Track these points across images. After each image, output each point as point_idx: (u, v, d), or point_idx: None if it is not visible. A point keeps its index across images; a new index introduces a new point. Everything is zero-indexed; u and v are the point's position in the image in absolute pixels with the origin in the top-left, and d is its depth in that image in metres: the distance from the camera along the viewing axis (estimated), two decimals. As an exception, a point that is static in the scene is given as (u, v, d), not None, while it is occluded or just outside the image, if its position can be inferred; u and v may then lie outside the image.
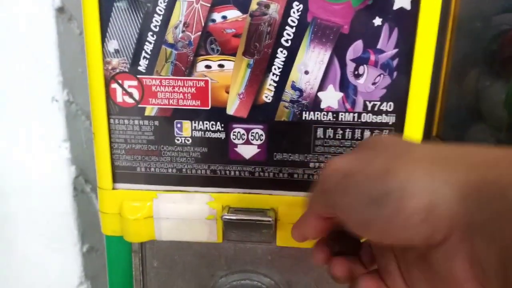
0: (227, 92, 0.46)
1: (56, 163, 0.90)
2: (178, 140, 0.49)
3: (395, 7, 0.42)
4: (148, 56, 0.46)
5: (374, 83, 0.44)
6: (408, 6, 0.41)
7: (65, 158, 0.90)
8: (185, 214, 0.50)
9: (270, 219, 0.48)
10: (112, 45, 0.46)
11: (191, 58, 0.45)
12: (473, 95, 0.64)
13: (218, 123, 0.47)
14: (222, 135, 0.48)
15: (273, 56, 0.44)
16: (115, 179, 0.51)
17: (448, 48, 0.67)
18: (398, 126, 0.46)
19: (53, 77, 0.85)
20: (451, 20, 0.66)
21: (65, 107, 0.88)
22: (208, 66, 0.46)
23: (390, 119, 0.46)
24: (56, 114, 0.88)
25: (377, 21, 0.42)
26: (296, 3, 0.43)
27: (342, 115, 0.46)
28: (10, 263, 0.96)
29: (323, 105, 0.46)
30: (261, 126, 0.47)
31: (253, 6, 0.43)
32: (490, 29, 0.59)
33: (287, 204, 0.49)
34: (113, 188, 0.51)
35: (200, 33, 0.45)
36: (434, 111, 0.73)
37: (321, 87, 0.45)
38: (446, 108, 0.70)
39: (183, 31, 0.45)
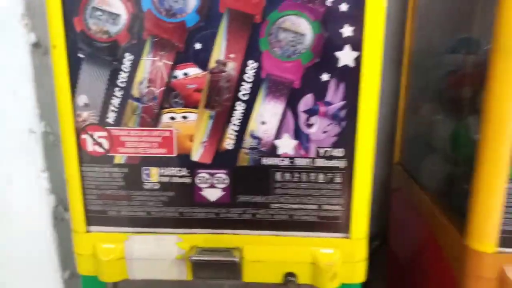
0: (191, 141, 0.50)
1: (35, 193, 0.92)
2: (146, 185, 0.52)
3: (340, 64, 0.46)
4: (116, 109, 0.49)
5: (325, 132, 0.48)
6: (351, 64, 0.45)
7: (44, 188, 0.92)
8: (156, 254, 0.53)
9: (236, 258, 0.51)
10: (82, 99, 0.49)
11: (156, 110, 0.49)
12: (426, 127, 0.68)
13: (184, 168, 0.51)
14: (188, 180, 0.51)
15: (232, 108, 0.48)
16: (89, 222, 0.53)
17: (405, 82, 0.72)
18: (349, 170, 0.49)
19: (30, 109, 0.87)
20: (406, 56, 0.70)
21: (42, 138, 0.90)
22: (172, 118, 0.49)
23: (341, 164, 0.49)
24: (34, 145, 0.90)
25: (325, 76, 0.46)
26: (251, 61, 0.46)
27: (297, 160, 0.50)
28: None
29: (279, 152, 0.49)
30: (224, 171, 0.51)
31: (212, 64, 0.47)
32: (441, 67, 0.64)
33: (252, 242, 0.52)
34: (87, 231, 0.53)
35: (164, 88, 0.48)
36: (394, 140, 0.78)
37: (277, 136, 0.49)
38: (405, 138, 0.74)
39: (148, 87, 0.48)
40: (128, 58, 0.47)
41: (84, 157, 0.51)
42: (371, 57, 0.45)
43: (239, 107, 0.48)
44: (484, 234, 0.48)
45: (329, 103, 0.47)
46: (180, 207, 0.52)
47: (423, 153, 0.70)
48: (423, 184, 0.67)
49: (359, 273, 0.53)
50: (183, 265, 0.53)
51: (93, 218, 0.53)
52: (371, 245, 0.88)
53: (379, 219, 0.96)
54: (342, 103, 0.47)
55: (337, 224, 0.52)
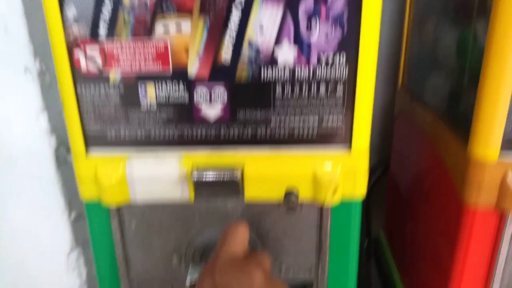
0: (187, 53, 0.48)
1: (35, 134, 0.91)
2: (143, 104, 0.50)
3: (342, -37, 0.43)
4: (107, 20, 0.47)
5: (326, 36, 0.46)
6: (354, -38, 0.43)
7: (44, 129, 0.91)
8: (157, 175, 0.53)
9: (237, 176, 0.51)
10: (71, 11, 0.47)
11: (149, 19, 0.47)
12: (432, 43, 0.66)
13: (181, 85, 0.49)
14: (186, 97, 0.50)
15: (228, 13, 0.46)
16: (88, 144, 0.53)
17: (409, -1, 0.68)
18: (351, 78, 0.48)
19: (23, 46, 0.85)
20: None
21: (38, 77, 0.88)
22: (166, 28, 0.47)
23: (343, 72, 0.48)
24: (30, 85, 0.88)
25: (326, -23, 0.43)
26: (246, -38, 0.44)
27: (298, 72, 0.48)
28: (0, 235, 0.99)
29: (279, 62, 0.48)
30: (222, 87, 0.49)
31: (205, -33, 0.44)
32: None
33: (253, 159, 0.52)
34: (87, 153, 0.53)
35: (155, -6, 0.46)
36: (399, 61, 0.76)
37: (277, 43, 0.47)
38: (410, 60, 0.72)
39: (139, -5, 0.45)
40: (116, -35, 0.44)
41: (78, 76, 0.50)
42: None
43: (235, 12, 0.45)
44: (488, 141, 0.47)
45: (331, 5, 0.45)
46: (180, 126, 0.51)
47: (427, 73, 0.68)
48: (427, 103, 0.66)
49: (361, 186, 0.52)
50: (185, 186, 0.53)
51: (92, 140, 0.53)
52: (373, 175, 0.89)
53: (381, 149, 0.95)
54: (344, 4, 0.45)
55: (338, 137, 0.51)
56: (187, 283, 0.50)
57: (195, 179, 0.51)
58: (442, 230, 0.59)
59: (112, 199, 0.53)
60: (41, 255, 1.02)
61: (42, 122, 0.91)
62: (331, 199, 0.51)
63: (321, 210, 0.53)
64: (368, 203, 0.88)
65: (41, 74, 0.88)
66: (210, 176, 0.51)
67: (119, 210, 0.54)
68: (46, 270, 1.03)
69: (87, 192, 0.54)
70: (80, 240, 1.02)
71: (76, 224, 1.01)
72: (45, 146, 0.92)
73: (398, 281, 0.78)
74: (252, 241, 0.56)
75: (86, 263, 1.05)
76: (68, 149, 0.96)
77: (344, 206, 0.52)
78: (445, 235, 0.57)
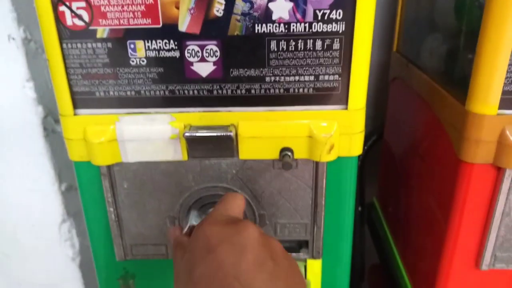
0: (177, 8, 0.46)
1: (22, 104, 0.89)
2: (133, 61, 0.49)
3: None
4: (92, -26, 0.45)
5: (322, -10, 0.44)
6: None
7: (31, 98, 0.89)
8: (149, 135, 0.51)
9: (231, 133, 0.50)
10: (54, -37, 0.44)
11: (137, -28, 0.44)
12: (428, 6, 0.64)
13: (171, 41, 0.47)
14: (177, 54, 0.48)
15: (221, -34, 0.44)
16: (76, 104, 0.51)
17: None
18: (348, 34, 0.46)
19: (6, 13, 0.82)
20: None
21: (23, 45, 0.85)
22: (155, -19, 0.45)
23: (340, 27, 0.46)
24: (15, 53, 0.85)
25: None
26: None
27: (293, 26, 0.46)
28: (-11, 206, 0.98)
29: (274, 17, 0.46)
30: (215, 42, 0.47)
31: None
32: None
33: (247, 119, 0.51)
34: (75, 114, 0.51)
35: None
36: (394, 27, 0.74)
37: (271, -3, 0.45)
38: (405, 24, 0.70)
39: None
40: None
41: (63, 33, 0.48)
42: None
43: (228, -36, 0.43)
44: (486, 96, 0.46)
45: (326, -45, 0.43)
46: (171, 84, 0.50)
47: (423, 36, 0.67)
48: (423, 67, 0.65)
49: (357, 146, 0.52)
50: (177, 145, 0.52)
51: (80, 100, 0.51)
52: (366, 143, 0.89)
53: (375, 118, 0.95)
54: (340, -46, 0.43)
55: (335, 95, 0.50)
56: (185, 230, 0.49)
57: (187, 136, 0.49)
58: (438, 190, 0.58)
59: (102, 158, 0.51)
60: (33, 226, 1.02)
61: (28, 91, 0.88)
62: (327, 157, 0.50)
63: (316, 167, 0.52)
64: (361, 170, 0.88)
65: (26, 42, 0.85)
66: (203, 133, 0.49)
67: (110, 170, 0.53)
68: (38, 241, 1.03)
69: (76, 152, 0.52)
70: (71, 211, 1.02)
71: (67, 195, 1.00)
72: (32, 116, 0.90)
73: (392, 245, 0.79)
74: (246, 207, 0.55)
75: (79, 234, 1.04)
76: (56, 120, 0.94)
77: (340, 162, 0.52)
78: (441, 194, 0.57)
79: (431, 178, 0.61)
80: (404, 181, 0.75)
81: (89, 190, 0.56)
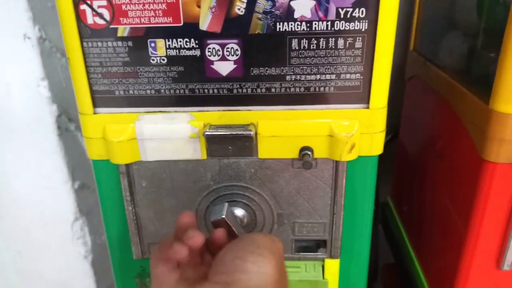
0: (199, 7, 0.46)
1: (37, 102, 0.89)
2: (153, 60, 0.48)
3: None
4: (114, -28, 0.44)
5: (345, -12, 0.44)
6: None
7: (45, 97, 0.89)
8: (168, 134, 0.51)
9: (250, 132, 0.49)
10: (75, -38, 0.44)
11: (159, -29, 0.44)
12: (448, 4, 0.63)
13: (192, 39, 0.47)
14: (197, 52, 0.48)
15: (243, -36, 0.43)
16: (95, 103, 0.51)
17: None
18: (371, 33, 0.46)
19: (22, 12, 0.82)
20: None
21: (38, 44, 0.86)
22: (177, -20, 0.44)
23: (363, 26, 0.46)
24: (30, 52, 0.85)
25: None
26: None
27: (315, 24, 0.46)
28: (4, 203, 0.99)
29: (296, 15, 0.46)
30: (235, 41, 0.47)
31: None
32: None
33: (266, 118, 0.50)
34: (94, 113, 0.51)
35: None
36: (411, 25, 0.73)
37: (293, -5, 0.45)
38: (423, 22, 0.70)
39: None
40: None
41: (84, 31, 0.47)
42: None
43: (251, -38, 0.43)
44: (511, 95, 0.46)
45: (350, -48, 0.42)
46: (191, 83, 0.50)
47: (442, 34, 0.66)
48: (441, 65, 0.64)
49: (378, 145, 0.51)
50: (197, 144, 0.52)
51: (100, 99, 0.51)
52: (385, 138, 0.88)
53: (390, 116, 0.94)
54: (365, -49, 0.42)
55: (356, 94, 0.49)
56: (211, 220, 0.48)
57: (207, 135, 0.49)
58: (458, 190, 0.58)
59: (121, 157, 0.51)
60: (45, 224, 1.02)
61: (42, 90, 0.89)
62: (348, 157, 0.50)
63: (336, 166, 0.51)
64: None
65: (41, 41, 0.85)
66: (222, 132, 0.49)
67: (128, 168, 0.53)
68: (51, 239, 1.03)
69: (95, 150, 0.52)
70: (84, 209, 1.02)
71: (80, 194, 1.00)
72: (46, 114, 0.91)
73: (408, 244, 0.79)
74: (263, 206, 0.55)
75: (91, 233, 1.05)
76: (70, 118, 0.95)
77: (361, 162, 0.51)
78: (461, 194, 0.56)
79: (450, 177, 0.61)
80: (421, 180, 0.74)
81: (107, 188, 0.56)
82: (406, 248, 0.79)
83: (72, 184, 0.99)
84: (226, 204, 0.45)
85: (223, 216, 0.43)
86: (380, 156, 0.90)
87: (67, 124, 0.95)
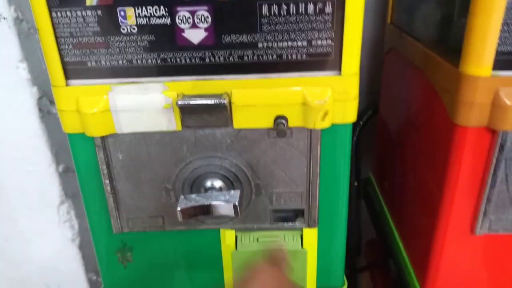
0: (167, -27, 0.45)
1: (16, 85, 0.88)
2: (124, 29, 0.48)
3: None
4: None
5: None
6: None
7: (25, 79, 0.88)
8: (142, 104, 0.51)
9: (224, 100, 0.49)
10: None
11: None
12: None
13: (162, 7, 0.47)
14: (168, 20, 0.48)
15: None
16: (67, 75, 0.51)
17: None
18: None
19: (-5, -8, 0.81)
20: None
21: (15, 25, 0.84)
22: None
23: (332, -10, 0.46)
24: (7, 33, 0.84)
25: None
26: None
27: (285, -11, 0.46)
28: (-13, 188, 0.98)
29: (265, -20, 0.45)
30: (205, 7, 0.47)
31: None
32: None
33: (240, 86, 0.50)
34: (67, 85, 0.51)
35: None
36: (387, 1, 0.73)
37: (261, -40, 0.44)
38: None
39: None
40: None
41: (52, 1, 0.47)
42: None
43: None
44: (480, 57, 0.46)
45: None
46: (162, 52, 0.49)
47: (416, 5, 0.66)
48: (417, 35, 0.64)
49: (351, 112, 0.52)
50: (171, 115, 0.51)
51: (72, 71, 0.50)
52: (361, 120, 0.89)
53: (369, 94, 0.95)
54: None
55: (328, 61, 0.49)
56: (178, 211, 0.50)
57: (180, 105, 0.49)
58: (433, 158, 0.59)
59: (96, 130, 0.51)
60: (30, 209, 1.02)
61: (22, 72, 0.88)
62: (321, 125, 0.50)
63: (310, 135, 0.52)
64: (357, 146, 0.88)
65: (18, 22, 0.84)
66: (196, 101, 0.49)
67: (104, 141, 0.53)
68: (37, 223, 1.03)
69: (69, 124, 0.52)
70: (69, 193, 1.02)
71: (65, 177, 1.00)
72: (27, 97, 0.90)
73: (389, 219, 0.80)
74: (241, 173, 0.55)
75: (78, 216, 1.05)
76: (51, 101, 0.94)
77: (335, 130, 0.52)
78: (436, 162, 0.57)
79: (426, 147, 0.61)
80: (400, 154, 0.75)
81: (84, 163, 0.56)
82: (388, 223, 0.80)
83: (56, 167, 0.98)
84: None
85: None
86: (362, 133, 0.91)
87: (49, 107, 0.94)
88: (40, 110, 0.92)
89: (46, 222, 1.02)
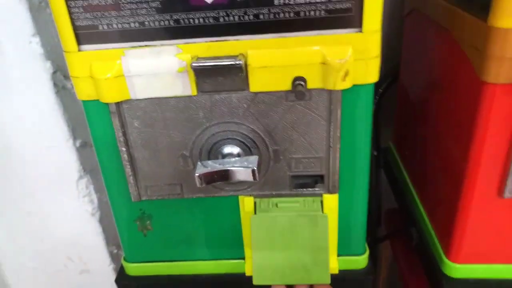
0: None
1: (30, 60, 0.88)
2: (135, -11, 0.46)
3: None
4: None
5: None
6: None
7: (38, 54, 0.88)
8: (155, 69, 0.50)
9: (240, 62, 0.48)
10: None
11: None
12: None
13: (174, -36, 0.45)
14: (180, -22, 0.46)
15: None
16: (79, 40, 0.50)
17: None
18: None
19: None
20: None
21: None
22: None
23: None
24: (18, 8, 0.83)
25: None
26: None
27: None
28: (9, 165, 0.99)
29: None
30: (219, -37, 0.45)
31: None
32: None
33: (256, 47, 0.49)
34: (79, 50, 0.50)
35: None
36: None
37: None
38: None
39: None
40: None
41: (61, -38, 0.45)
42: None
43: None
44: (511, 8, 0.43)
45: None
46: (175, 13, 0.48)
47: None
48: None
49: (373, 72, 0.49)
50: (185, 79, 0.50)
51: (83, 35, 0.49)
52: (380, 87, 0.86)
53: (389, 61, 0.91)
54: None
55: (348, 17, 0.47)
56: (196, 176, 0.49)
57: (195, 67, 0.48)
58: (459, 120, 0.56)
59: (110, 95, 0.50)
60: (50, 184, 1.03)
61: (35, 46, 0.87)
62: (342, 85, 0.48)
63: (330, 96, 0.50)
64: (376, 116, 0.86)
65: (27, -4, 0.83)
66: (210, 62, 0.48)
67: (119, 108, 0.52)
68: (57, 198, 1.04)
69: (83, 90, 0.51)
70: (87, 168, 1.03)
71: (82, 152, 1.00)
72: (41, 71, 0.89)
73: (410, 187, 0.78)
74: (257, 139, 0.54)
75: (97, 191, 1.06)
76: (66, 76, 0.93)
77: (356, 91, 0.50)
78: (462, 123, 0.54)
79: (451, 109, 0.59)
80: (423, 120, 0.72)
81: (100, 131, 0.55)
82: (409, 191, 0.78)
83: (73, 142, 0.99)
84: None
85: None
86: (381, 101, 0.88)
87: (64, 82, 0.94)
88: (55, 84, 0.92)
89: (66, 197, 1.04)
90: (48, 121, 0.94)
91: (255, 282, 0.57)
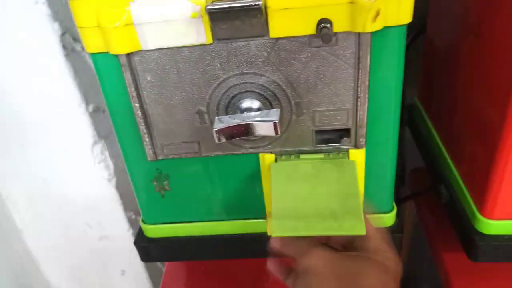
0: None
1: (37, 20, 0.84)
2: None
3: None
4: None
5: None
6: None
7: (45, 15, 0.84)
8: (167, 15, 0.46)
9: (259, 2, 0.43)
10: None
11: None
12: None
13: None
14: None
15: None
16: (84, -15, 0.46)
17: None
18: None
19: None
20: None
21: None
22: None
23: None
24: (22, -34, 0.79)
25: None
26: None
27: None
28: (23, 132, 0.98)
29: None
30: None
31: None
32: None
33: (276, -12, 0.44)
34: (85, -4, 0.46)
35: None
36: None
37: None
38: None
39: None
40: None
41: None
42: None
43: None
44: None
45: None
46: (187, -49, 0.43)
47: None
48: None
49: (406, 11, 0.44)
50: (200, 25, 0.46)
51: (88, -20, 0.45)
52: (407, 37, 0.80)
53: (416, 9, 0.85)
54: None
55: None
56: (214, 132, 0.46)
57: (210, 9, 0.43)
58: (494, 72, 0.51)
59: (120, 46, 0.47)
60: (66, 150, 1.02)
61: (41, 7, 0.84)
62: (372, 27, 0.44)
63: (359, 40, 0.45)
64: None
65: (31, -47, 0.78)
66: (227, 4, 0.43)
67: (130, 60, 0.48)
68: (73, 164, 1.03)
69: (91, 41, 0.48)
70: (102, 133, 1.00)
71: (96, 117, 0.98)
72: (49, 33, 0.86)
73: (438, 143, 0.73)
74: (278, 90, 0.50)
75: (112, 156, 1.04)
76: (75, 38, 0.90)
77: (387, 33, 0.45)
78: (498, 75, 0.50)
79: (487, 60, 0.54)
80: (453, 74, 0.67)
81: (111, 86, 0.52)
82: (437, 147, 0.74)
83: (86, 107, 0.96)
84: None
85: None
86: (407, 53, 0.83)
87: (73, 44, 0.90)
88: (64, 47, 0.89)
89: (82, 163, 1.03)
90: (59, 86, 0.91)
91: (274, 233, 0.45)
